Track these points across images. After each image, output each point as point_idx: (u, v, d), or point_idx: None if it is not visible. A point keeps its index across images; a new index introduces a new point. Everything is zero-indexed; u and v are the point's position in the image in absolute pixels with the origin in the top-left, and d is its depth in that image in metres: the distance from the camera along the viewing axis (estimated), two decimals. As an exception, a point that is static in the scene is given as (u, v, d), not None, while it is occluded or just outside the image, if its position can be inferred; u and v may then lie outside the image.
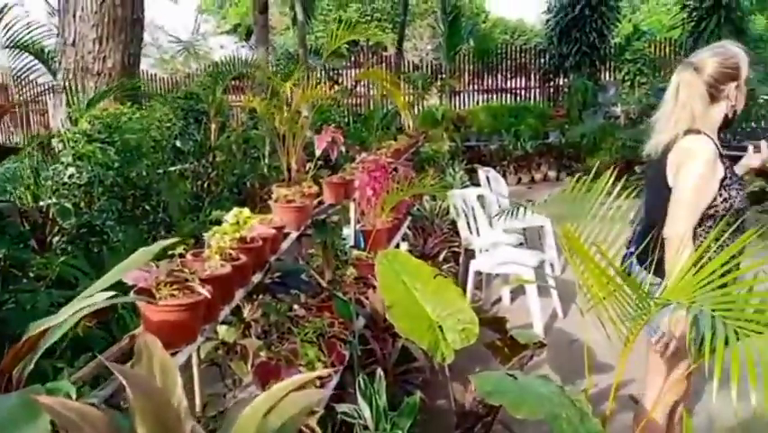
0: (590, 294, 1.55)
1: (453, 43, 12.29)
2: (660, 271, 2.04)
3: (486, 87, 13.56)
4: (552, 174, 11.00)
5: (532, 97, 13.41)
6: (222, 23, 27.89)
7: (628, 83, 11.35)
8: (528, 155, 10.90)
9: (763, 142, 2.34)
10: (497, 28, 32.68)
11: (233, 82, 7.71)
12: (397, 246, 4.13)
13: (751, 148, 2.36)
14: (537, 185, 10.65)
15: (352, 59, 14.77)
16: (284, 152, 3.24)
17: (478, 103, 13.37)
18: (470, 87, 13.56)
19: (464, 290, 4.54)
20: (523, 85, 13.58)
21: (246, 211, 2.14)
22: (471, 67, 13.51)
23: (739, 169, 2.31)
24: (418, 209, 5.48)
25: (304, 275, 2.89)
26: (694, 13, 10.32)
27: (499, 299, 4.86)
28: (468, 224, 4.72)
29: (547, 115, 11.71)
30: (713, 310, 1.23)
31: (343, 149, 3.40)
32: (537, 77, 13.18)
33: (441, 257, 4.64)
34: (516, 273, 4.18)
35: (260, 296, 2.55)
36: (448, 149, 9.23)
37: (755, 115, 8.13)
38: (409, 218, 4.95)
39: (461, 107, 13.12)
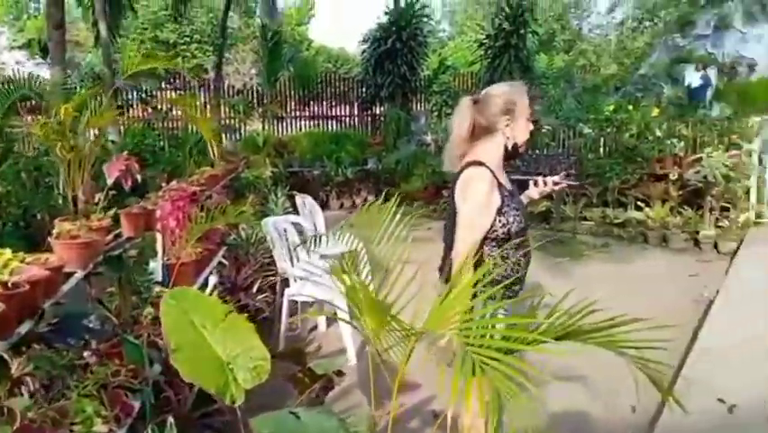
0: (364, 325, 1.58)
1: (274, 69, 12.28)
2: None
3: (309, 114, 13.72)
4: (371, 198, 11.37)
5: (352, 125, 13.83)
6: (18, 36, 25.10)
7: (436, 113, 12.20)
8: (349, 181, 11.18)
9: (540, 178, 2.62)
10: (320, 56, 33.35)
11: (28, 103, 6.95)
12: (206, 280, 3.95)
13: (531, 182, 2.65)
14: (357, 209, 10.94)
15: (174, 80, 14.14)
16: (69, 182, 2.95)
17: (301, 129, 13.47)
18: (293, 113, 13.63)
19: (280, 320, 4.48)
20: (344, 113, 13.97)
21: (7, 252, 1.89)
22: (294, 93, 13.60)
23: (524, 198, 2.62)
24: (234, 238, 5.31)
25: (92, 319, 2.63)
26: (489, 51, 11.43)
27: (315, 327, 4.86)
28: (285, 251, 4.67)
29: (366, 142, 12.13)
30: (464, 341, 1.31)
31: (139, 177, 3.16)
32: (357, 105, 13.64)
33: (255, 287, 4.53)
34: (328, 299, 4.20)
35: (35, 347, 2.27)
36: (270, 175, 9.13)
37: (540, 144, 9.16)
38: (224, 248, 4.79)
39: (285, 133, 13.12)
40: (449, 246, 2.41)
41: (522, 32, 10.95)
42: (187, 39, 25.49)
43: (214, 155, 5.78)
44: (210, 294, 3.81)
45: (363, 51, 13.06)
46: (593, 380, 3.77)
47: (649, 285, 5.94)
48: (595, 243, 7.60)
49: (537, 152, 8.92)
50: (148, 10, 24.59)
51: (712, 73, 11.23)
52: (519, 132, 2.36)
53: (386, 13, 12.37)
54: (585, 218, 8.27)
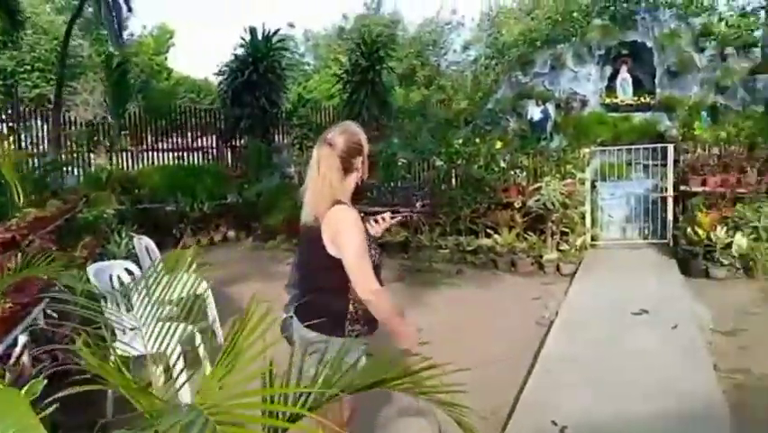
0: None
1: (122, 100, 11.59)
2: (325, 329, 2.33)
3: (164, 147, 13.04)
4: (231, 234, 10.96)
5: (212, 158, 13.35)
6: None
7: (298, 145, 12.12)
8: (207, 216, 10.71)
9: (379, 217, 2.70)
10: (181, 86, 32.14)
11: None
12: (15, 340, 3.47)
13: (372, 220, 2.66)
14: (216, 246, 10.49)
15: (9, 111, 12.82)
16: None
17: (155, 163, 12.76)
18: (146, 146, 12.89)
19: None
20: (203, 145, 13.46)
21: None
22: (146, 125, 12.88)
23: (372, 231, 2.62)
24: (59, 289, 4.77)
25: None
26: (347, 86, 11.62)
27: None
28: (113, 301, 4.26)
29: (225, 175, 11.73)
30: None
31: None
32: (216, 137, 13.21)
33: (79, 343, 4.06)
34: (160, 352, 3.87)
35: None
36: (114, 213, 8.46)
37: (396, 176, 9.37)
38: (45, 301, 4.27)
39: (137, 167, 12.34)
40: (307, 290, 2.45)
41: (378, 67, 11.25)
42: (28, 67, 23.42)
43: (18, 198, 5.20)
44: (18, 357, 3.35)
45: (220, 83, 12.73)
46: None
47: (496, 309, 6.19)
48: (449, 270, 7.83)
49: (393, 184, 9.09)
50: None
51: (551, 108, 12.22)
52: (365, 169, 2.46)
53: (241, 46, 12.18)
54: (441, 247, 8.52)
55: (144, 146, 12.71)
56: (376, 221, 2.71)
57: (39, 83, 23.70)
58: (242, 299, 6.90)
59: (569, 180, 8.04)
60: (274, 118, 12.43)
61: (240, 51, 12.27)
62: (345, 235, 2.29)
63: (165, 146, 13.01)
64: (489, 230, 8.44)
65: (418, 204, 8.83)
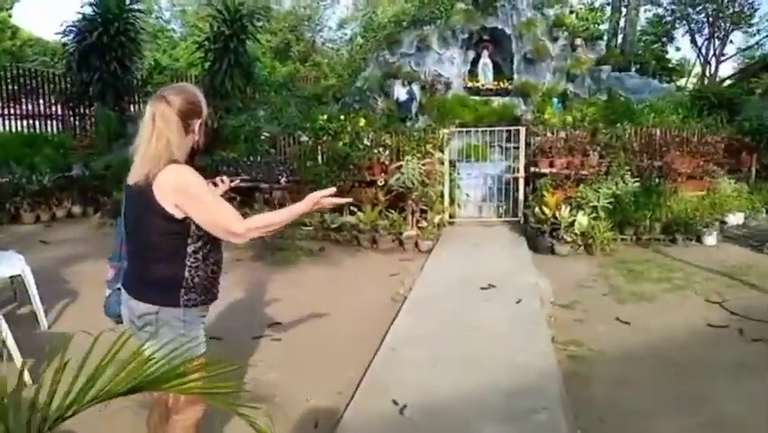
0: None
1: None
2: (156, 299, 2.15)
3: (-3, 113, 11.51)
4: (77, 210, 9.94)
5: (57, 127, 12.01)
6: None
7: (153, 116, 11.23)
8: (46, 190, 9.60)
9: (221, 178, 2.66)
10: (30, 48, 28.85)
11: None
12: None
13: (210, 183, 2.49)
14: (59, 222, 9.46)
15: None
16: None
17: (-15, 130, 11.24)
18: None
19: None
20: (47, 112, 12.06)
21: None
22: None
23: None
24: None
25: None
26: (209, 54, 10.89)
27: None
28: None
29: (70, 145, 10.59)
30: None
31: None
32: (60, 104, 11.89)
33: None
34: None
35: None
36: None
37: (260, 150, 8.96)
38: None
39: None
40: (132, 261, 2.26)
41: (242, 36, 10.64)
42: None
43: None
44: None
45: (65, 45, 11.43)
46: (278, 402, 3.58)
47: (355, 286, 6.10)
48: (312, 247, 7.63)
49: (257, 158, 8.68)
50: None
51: (416, 89, 12.36)
52: (202, 134, 2.29)
53: (90, 4, 10.99)
54: (305, 224, 8.28)
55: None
56: (215, 184, 2.58)
57: None
58: (80, 281, 6.25)
59: (428, 160, 8.11)
60: (128, 85, 11.39)
61: (88, 10, 11.05)
62: (192, 188, 2.08)
63: (-1, 112, 11.49)
64: (352, 207, 8.33)
65: (282, 180, 8.52)
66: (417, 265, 6.84)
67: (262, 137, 8.97)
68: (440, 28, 13.00)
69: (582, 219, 7.34)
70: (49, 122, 11.99)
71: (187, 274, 2.16)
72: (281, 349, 4.44)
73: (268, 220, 2.17)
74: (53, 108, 12.14)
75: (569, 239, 7.34)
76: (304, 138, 9.24)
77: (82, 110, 11.78)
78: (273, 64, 22.71)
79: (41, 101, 12.22)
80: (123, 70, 11.06)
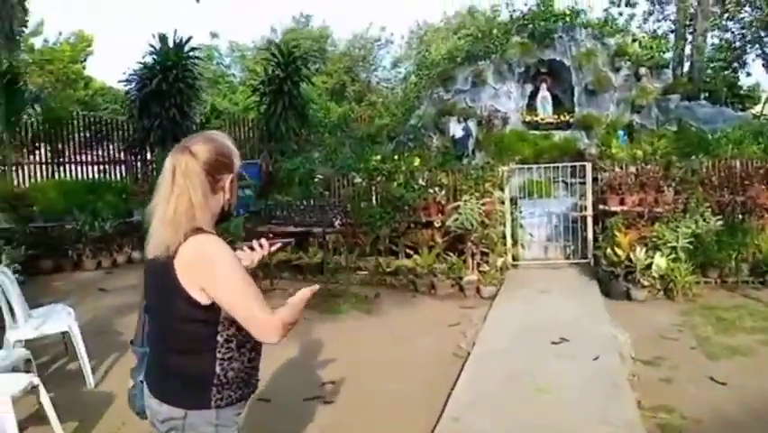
0: None
1: (14, 109, 10.40)
2: (182, 401, 1.75)
3: (63, 160, 11.88)
4: (137, 255, 9.98)
5: (118, 173, 12.29)
6: None
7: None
8: (108, 236, 9.71)
9: (255, 242, 2.11)
10: (102, 96, 30.31)
11: None
12: None
13: (246, 247, 2.10)
14: (120, 268, 9.52)
15: None
16: None
17: (54, 176, 11.59)
18: (41, 159, 11.70)
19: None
20: (110, 158, 12.39)
21: None
22: (44, 137, 11.70)
23: (245, 262, 2.00)
24: None
25: None
26: (264, 98, 10.94)
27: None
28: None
29: (131, 191, 10.75)
30: None
31: None
32: (123, 150, 12.19)
33: None
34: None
35: None
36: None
37: (313, 193, 8.76)
38: None
39: (32, 182, 11.15)
40: (161, 350, 1.82)
41: (295, 78, 10.63)
42: None
43: None
44: None
45: (127, 92, 11.76)
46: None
47: (412, 338, 5.68)
48: (367, 293, 7.27)
49: (311, 201, 8.47)
50: None
51: (472, 125, 12.00)
52: (234, 189, 1.87)
53: (150, 53, 11.29)
54: (359, 268, 7.97)
55: (41, 159, 11.52)
56: (251, 248, 2.10)
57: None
58: (133, 333, 6.08)
59: (487, 199, 7.68)
60: (186, 130, 11.53)
61: (148, 59, 11.36)
62: (220, 269, 1.66)
63: (67, 159, 11.85)
64: (409, 250, 7.96)
65: (336, 222, 8.26)
66: (480, 314, 6.36)
67: (316, 179, 8.79)
68: (495, 62, 12.67)
69: (661, 261, 6.70)
70: (116, 167, 12.28)
71: (218, 369, 1.74)
72: (334, 413, 4.07)
73: (293, 315, 1.75)
74: (119, 155, 12.44)
75: (646, 283, 6.70)
76: (358, 179, 9.01)
77: (144, 156, 12.02)
78: (328, 105, 22.92)
79: (110, 147, 12.57)
80: (181, 116, 11.23)
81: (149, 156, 11.86)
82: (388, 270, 7.76)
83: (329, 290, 7.12)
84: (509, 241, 8.28)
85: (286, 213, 7.71)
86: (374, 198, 8.68)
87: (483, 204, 7.44)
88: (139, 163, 12.09)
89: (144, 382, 1.88)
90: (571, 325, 5.57)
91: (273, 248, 2.14)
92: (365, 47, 31.43)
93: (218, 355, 1.72)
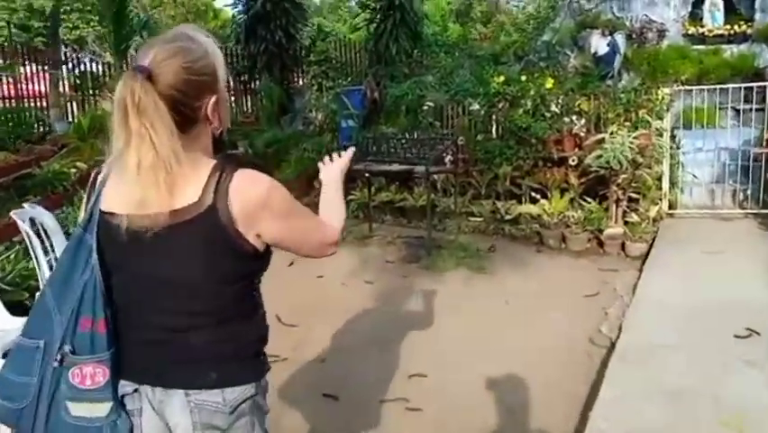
0: None
1: (121, 37, 9.97)
2: (249, 374, 1.38)
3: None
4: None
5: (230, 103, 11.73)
6: None
7: (315, 87, 10.29)
8: (210, 168, 9.15)
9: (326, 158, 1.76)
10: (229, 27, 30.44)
11: None
12: None
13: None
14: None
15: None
16: None
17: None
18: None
19: None
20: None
21: None
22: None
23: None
24: None
25: None
26: (376, 15, 9.57)
27: None
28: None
29: (234, 121, 10.08)
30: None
31: None
32: (232, 79, 11.54)
33: None
34: None
35: None
36: (83, 168, 7.00)
37: (424, 123, 7.43)
38: None
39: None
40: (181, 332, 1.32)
41: (408, -10, 9.13)
42: (67, 8, 22.25)
43: None
44: None
45: (233, 17, 10.95)
46: None
47: (534, 311, 4.36)
48: (480, 246, 5.97)
49: (418, 133, 7.17)
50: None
51: (620, 39, 9.81)
52: (223, 112, 1.35)
53: (256, -31, 10.26)
54: (472, 214, 6.65)
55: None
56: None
57: (79, 24, 22.60)
58: None
59: (642, 131, 5.92)
60: (293, 55, 10.55)
61: (255, -23, 10.36)
62: (284, 202, 1.32)
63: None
64: (534, 194, 6.49)
65: (447, 158, 6.92)
66: (626, 281, 4.86)
67: (425, 107, 7.44)
68: (654, -39, 10.17)
69: None
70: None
71: (263, 326, 1.44)
72: (420, 425, 2.95)
73: (341, 213, 1.54)
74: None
75: None
76: (475, 106, 7.51)
77: (252, 84, 11.30)
78: (449, 27, 20.97)
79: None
80: (287, 39, 10.23)
81: (255, 84, 11.09)
82: (508, 217, 6.35)
83: (433, 240, 5.91)
84: (666, 184, 6.48)
85: (390, 147, 6.48)
86: (494, 128, 7.19)
87: (636, 137, 5.71)
88: (247, 92, 11.38)
89: (161, 389, 1.32)
90: (759, 307, 3.94)
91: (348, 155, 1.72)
92: (495, -38, 28.60)
93: (260, 312, 1.43)
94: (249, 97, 11.36)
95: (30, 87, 10.08)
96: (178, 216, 1.22)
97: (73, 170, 6.59)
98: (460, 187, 6.79)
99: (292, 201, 1.34)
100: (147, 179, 1.18)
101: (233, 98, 11.62)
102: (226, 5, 10.92)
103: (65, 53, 11.88)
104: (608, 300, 4.50)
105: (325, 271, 5.31)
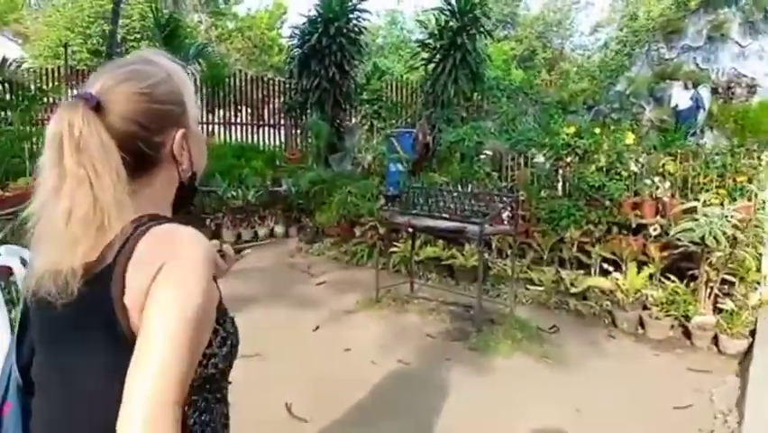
0: None
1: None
2: None
3: (219, 121, 11.09)
4: (279, 230, 8.76)
5: (267, 137, 11.25)
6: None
7: (366, 126, 9.68)
8: (250, 205, 8.57)
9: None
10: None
11: None
12: None
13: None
14: (257, 243, 8.36)
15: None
16: None
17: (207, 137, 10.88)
18: (203, 118, 11.01)
19: None
20: (270, 122, 11.40)
21: None
22: (202, 96, 10.99)
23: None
24: None
25: None
26: (435, 55, 8.91)
27: None
28: None
29: (280, 157, 9.56)
30: None
31: None
32: (279, 112, 11.11)
33: None
34: None
35: None
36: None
37: (479, 175, 6.61)
38: None
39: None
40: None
41: (472, 30, 8.44)
42: (137, 35, 22.83)
43: None
44: None
45: (290, 49, 10.55)
46: None
47: (611, 429, 3.38)
48: (540, 323, 5.03)
49: (473, 186, 6.36)
50: (94, 2, 22.01)
51: (705, 93, 8.82)
52: (196, 148, 1.10)
53: (316, 6, 9.85)
54: (531, 281, 5.74)
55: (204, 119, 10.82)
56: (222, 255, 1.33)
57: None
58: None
59: (744, 203, 4.92)
60: (346, 92, 9.99)
61: (314, 12, 9.95)
62: (179, 277, 0.92)
63: (222, 120, 11.05)
64: (606, 265, 5.52)
65: (504, 215, 6.05)
66: (725, 392, 3.83)
67: (483, 156, 6.64)
68: (744, 10, 9.19)
69: None
70: (269, 131, 11.28)
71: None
72: None
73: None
74: (275, 117, 11.41)
75: None
76: (539, 158, 6.67)
77: (302, 119, 10.81)
78: (509, 70, 20.37)
79: (267, 109, 11.61)
80: (341, 75, 9.69)
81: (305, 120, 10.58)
82: (574, 289, 5.40)
83: (484, 311, 5.02)
84: (767, 265, 5.40)
85: (440, 200, 5.68)
86: (561, 185, 6.32)
87: (736, 209, 4.72)
88: (297, 129, 10.88)
89: None
90: None
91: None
92: (561, 10, 28.05)
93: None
94: (298, 134, 10.85)
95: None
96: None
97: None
98: (518, 249, 5.90)
99: (184, 304, 0.90)
100: (74, 233, 0.93)
101: (281, 132, 11.17)
102: (284, 38, 10.48)
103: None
104: (704, 418, 3.49)
105: (355, 341, 4.52)
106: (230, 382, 1.11)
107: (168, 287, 0.89)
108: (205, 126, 10.87)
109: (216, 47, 23.40)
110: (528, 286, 5.68)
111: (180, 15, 13.89)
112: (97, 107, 0.95)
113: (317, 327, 4.82)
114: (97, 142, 0.93)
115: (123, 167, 0.94)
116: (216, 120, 10.87)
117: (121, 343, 0.91)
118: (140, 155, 0.99)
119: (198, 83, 10.89)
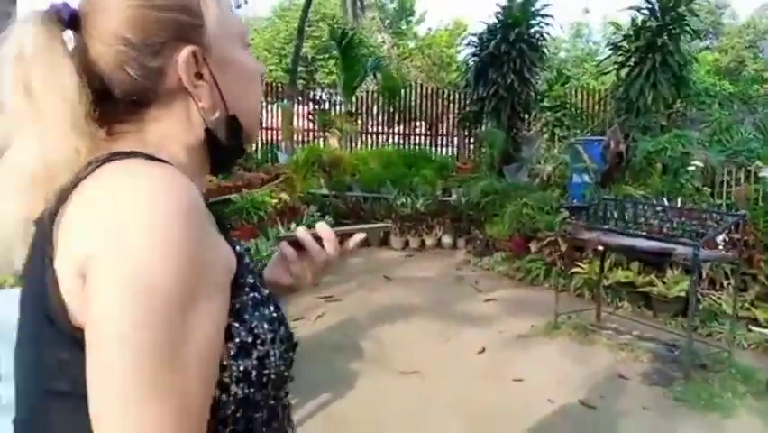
0: None
1: (351, 77, 9.79)
2: None
3: (397, 132, 11.03)
4: (447, 240, 8.31)
5: (440, 147, 10.91)
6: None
7: (546, 135, 8.84)
8: (418, 214, 8.25)
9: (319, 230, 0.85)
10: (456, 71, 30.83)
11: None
12: None
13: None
14: (424, 252, 7.98)
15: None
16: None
17: (377, 147, 10.88)
18: (379, 129, 11.05)
19: None
20: (443, 131, 11.10)
21: None
22: (380, 107, 11.02)
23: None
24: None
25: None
26: (629, 58, 7.84)
27: None
28: None
29: (451, 166, 9.13)
30: None
31: None
32: (455, 122, 10.73)
33: None
34: None
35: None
36: (287, 199, 6.56)
37: (686, 190, 5.50)
38: None
39: (356, 150, 10.61)
40: None
41: (675, 30, 7.26)
42: (326, 55, 24.25)
43: None
44: None
45: (466, 58, 10.15)
46: None
47: None
48: (764, 373, 3.90)
49: (682, 201, 5.29)
50: (290, 25, 23.88)
51: None
52: (237, 85, 0.72)
53: (497, 14, 9.33)
54: (756, 321, 4.56)
55: (375, 129, 10.86)
56: (317, 237, 0.83)
57: (334, 70, 24.49)
58: (375, 357, 4.12)
59: None
60: (526, 99, 9.27)
61: (493, 20, 9.45)
62: (121, 252, 0.54)
63: (400, 131, 10.96)
64: None
65: (720, 239, 4.92)
66: None
67: (692, 168, 5.52)
68: None
69: None
70: (442, 141, 10.97)
71: None
72: None
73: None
74: (449, 127, 11.08)
75: None
76: (765, 173, 5.39)
77: (477, 130, 10.33)
78: (714, 80, 18.02)
79: (442, 119, 11.35)
80: (520, 82, 9.02)
81: (480, 130, 10.07)
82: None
83: (694, 354, 4.02)
84: None
85: (638, 215, 4.76)
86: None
87: None
88: (470, 138, 10.41)
89: None
90: None
91: (351, 243, 0.86)
92: (776, 15, 24.45)
93: None
94: (471, 143, 10.37)
95: (270, 120, 10.46)
96: None
97: (274, 201, 6.12)
98: (737, 279, 4.72)
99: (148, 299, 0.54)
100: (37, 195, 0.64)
101: (454, 142, 10.77)
102: (459, 48, 10.14)
103: (314, 94, 12.35)
104: None
105: (528, 371, 3.84)
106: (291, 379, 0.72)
107: (108, 268, 0.55)
108: (381, 137, 10.89)
109: (397, 65, 24.06)
110: (752, 327, 4.50)
111: (361, 33, 14.42)
112: (74, 24, 0.67)
113: (483, 349, 4.23)
114: (68, 71, 0.64)
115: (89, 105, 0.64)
116: (392, 131, 10.83)
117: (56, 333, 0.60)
118: (130, 87, 0.67)
119: (375, 95, 10.98)
